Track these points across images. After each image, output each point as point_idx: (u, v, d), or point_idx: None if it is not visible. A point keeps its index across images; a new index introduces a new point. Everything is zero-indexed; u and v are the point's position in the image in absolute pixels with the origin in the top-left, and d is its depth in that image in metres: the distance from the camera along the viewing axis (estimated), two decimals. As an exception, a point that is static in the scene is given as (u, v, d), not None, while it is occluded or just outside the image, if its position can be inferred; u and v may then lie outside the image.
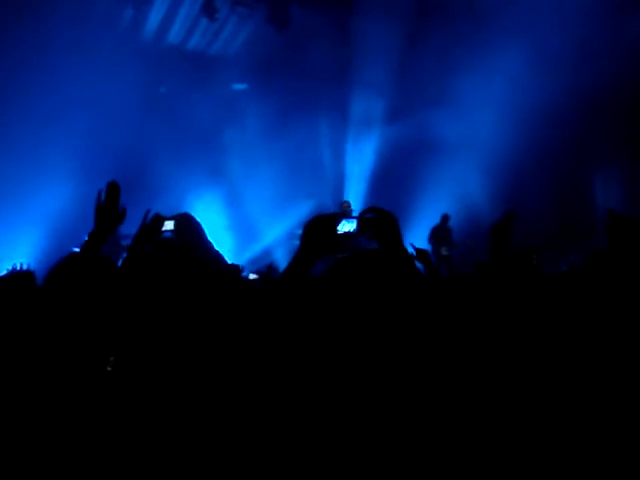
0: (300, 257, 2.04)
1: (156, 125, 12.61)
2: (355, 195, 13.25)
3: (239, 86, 14.88)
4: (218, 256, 2.49)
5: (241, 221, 13.50)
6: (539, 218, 12.58)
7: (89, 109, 11.51)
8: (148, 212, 2.85)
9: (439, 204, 13.68)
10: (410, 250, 2.10)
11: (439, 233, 13.08)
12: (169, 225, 2.77)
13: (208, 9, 12.74)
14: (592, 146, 14.32)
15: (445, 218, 13.24)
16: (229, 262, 3.39)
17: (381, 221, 2.09)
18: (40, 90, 11.19)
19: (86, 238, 2.64)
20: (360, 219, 2.09)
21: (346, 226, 2.09)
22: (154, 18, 13.20)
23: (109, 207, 2.71)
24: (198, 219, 2.74)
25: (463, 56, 12.67)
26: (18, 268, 3.97)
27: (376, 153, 14.84)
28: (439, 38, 13.13)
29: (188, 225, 2.71)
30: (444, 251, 12.82)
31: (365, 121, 14.92)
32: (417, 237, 12.27)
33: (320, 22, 13.53)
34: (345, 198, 11.72)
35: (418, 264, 2.16)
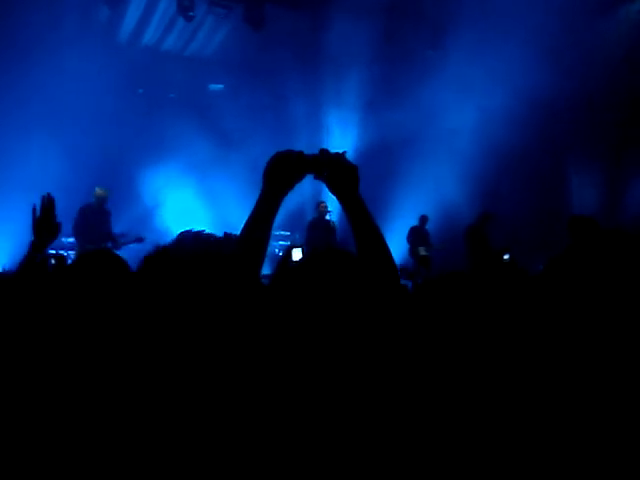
0: (264, 196, 2.03)
1: (135, 125, 12.57)
2: (332, 195, 13.15)
3: (216, 86, 14.84)
4: None
5: (218, 220, 13.50)
6: (516, 218, 12.67)
7: (67, 109, 11.43)
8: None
9: (417, 204, 13.73)
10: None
11: (417, 234, 13.14)
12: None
13: (184, 8, 12.66)
14: (569, 147, 14.47)
15: (423, 219, 13.31)
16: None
17: (338, 163, 2.08)
18: (14, 90, 11.08)
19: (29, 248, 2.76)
20: (319, 157, 2.08)
21: None
22: (131, 18, 13.11)
23: (45, 220, 2.83)
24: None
25: (439, 57, 12.74)
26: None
27: (353, 152, 14.83)
28: (415, 38, 13.18)
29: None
30: (422, 251, 12.86)
31: (341, 120, 14.93)
32: (395, 237, 12.31)
33: (296, 20, 13.54)
34: (322, 198, 11.70)
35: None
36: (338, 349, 1.49)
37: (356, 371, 1.49)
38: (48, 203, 2.88)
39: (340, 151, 2.13)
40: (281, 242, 13.26)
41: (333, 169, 2.08)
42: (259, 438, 1.41)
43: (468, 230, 11.40)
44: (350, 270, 1.61)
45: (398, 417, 1.49)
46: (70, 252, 9.76)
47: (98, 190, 10.07)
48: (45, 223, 2.85)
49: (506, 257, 9.46)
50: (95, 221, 9.92)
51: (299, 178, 2.09)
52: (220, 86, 14.82)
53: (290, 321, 1.54)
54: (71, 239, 10.10)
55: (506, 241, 11.30)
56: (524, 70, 12.00)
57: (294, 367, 1.49)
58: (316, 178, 2.12)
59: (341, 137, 14.68)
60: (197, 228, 1.86)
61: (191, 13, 12.83)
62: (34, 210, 2.86)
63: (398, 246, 12.35)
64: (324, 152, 2.09)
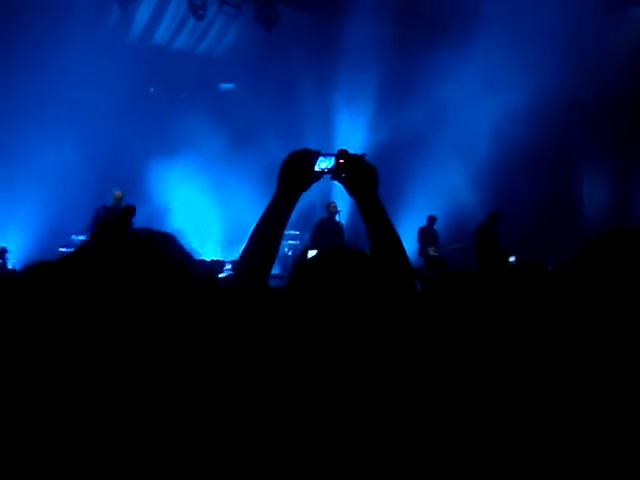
0: (279, 196, 1.95)
1: (147, 123, 12.65)
2: (342, 195, 13.06)
3: (227, 85, 14.87)
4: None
5: (229, 217, 13.49)
6: (527, 219, 12.63)
7: (79, 107, 11.52)
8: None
9: (428, 204, 13.68)
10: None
11: (426, 235, 13.10)
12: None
13: (194, 6, 12.71)
14: (580, 145, 14.41)
15: (431, 220, 13.27)
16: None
17: (357, 164, 2.03)
18: (26, 89, 11.14)
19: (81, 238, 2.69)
20: (337, 156, 2.00)
21: (323, 163, 1.99)
22: (141, 17, 13.16)
23: (119, 228, 2.75)
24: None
25: (451, 58, 12.73)
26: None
27: (364, 153, 14.77)
28: (427, 39, 13.16)
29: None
30: (432, 251, 12.81)
31: (352, 120, 14.91)
32: (406, 237, 12.29)
33: (307, 20, 13.53)
34: (332, 198, 11.67)
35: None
36: (353, 350, 1.47)
37: (370, 371, 1.46)
38: (129, 212, 2.83)
39: (359, 153, 2.08)
40: (290, 241, 13.24)
41: (353, 170, 2.02)
42: (274, 440, 1.40)
43: (477, 230, 11.37)
44: (366, 270, 1.56)
45: (413, 417, 1.46)
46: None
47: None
48: (118, 231, 2.79)
49: (512, 259, 9.40)
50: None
51: (316, 178, 2.01)
52: (231, 85, 14.85)
53: (305, 321, 1.51)
54: (82, 237, 10.17)
55: (516, 241, 11.29)
56: (536, 70, 11.98)
57: (306, 370, 1.46)
58: (333, 179, 2.05)
59: (352, 136, 14.68)
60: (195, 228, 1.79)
61: (201, 12, 12.88)
62: (109, 212, 2.80)
63: (408, 246, 12.30)
64: (343, 153, 2.03)
